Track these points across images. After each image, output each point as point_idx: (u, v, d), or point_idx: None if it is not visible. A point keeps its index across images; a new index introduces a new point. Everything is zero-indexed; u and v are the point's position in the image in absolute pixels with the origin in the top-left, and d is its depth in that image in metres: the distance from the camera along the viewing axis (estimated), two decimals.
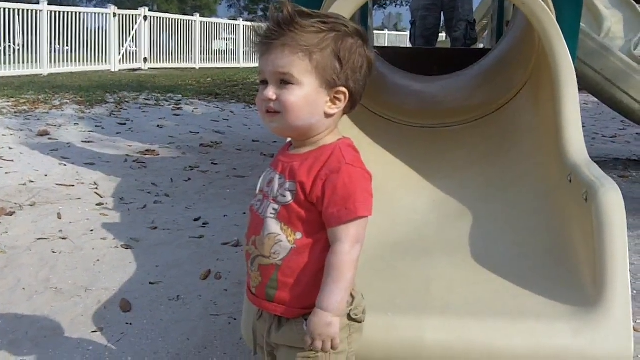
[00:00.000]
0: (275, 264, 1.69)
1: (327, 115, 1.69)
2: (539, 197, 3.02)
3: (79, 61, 18.49)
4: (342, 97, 1.68)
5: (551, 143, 3.02)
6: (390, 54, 5.33)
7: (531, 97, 3.58)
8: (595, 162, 2.76)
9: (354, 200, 1.63)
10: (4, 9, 15.92)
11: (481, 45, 11.13)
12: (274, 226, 1.70)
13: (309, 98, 1.65)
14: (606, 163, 7.19)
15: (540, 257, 2.73)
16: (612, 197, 2.36)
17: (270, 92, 1.65)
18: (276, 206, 1.69)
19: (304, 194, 1.65)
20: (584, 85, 7.00)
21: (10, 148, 6.48)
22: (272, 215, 1.69)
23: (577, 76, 3.09)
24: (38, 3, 17.14)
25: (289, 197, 1.67)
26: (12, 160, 6.00)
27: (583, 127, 3.01)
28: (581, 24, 4.33)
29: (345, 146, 1.70)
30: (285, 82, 1.64)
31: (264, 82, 1.68)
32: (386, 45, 29.98)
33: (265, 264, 1.71)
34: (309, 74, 1.64)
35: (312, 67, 1.63)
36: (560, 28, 3.09)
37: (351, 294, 1.74)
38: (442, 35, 10.56)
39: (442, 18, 7.76)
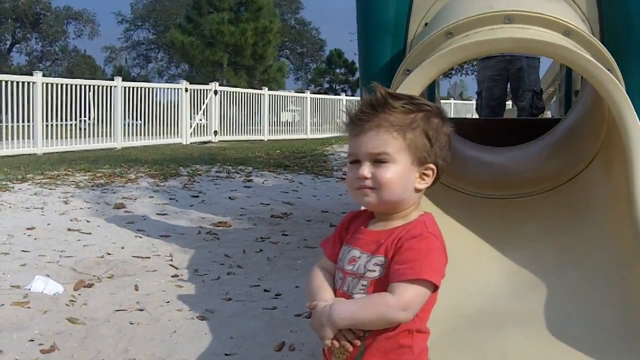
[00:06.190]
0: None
1: (417, 190, 1.77)
2: (614, 269, 2.99)
3: (152, 135, 19.00)
4: (430, 173, 1.77)
5: (625, 214, 3.00)
6: (457, 125, 5.35)
7: (603, 168, 3.57)
8: None
9: (422, 264, 1.66)
10: (80, 85, 16.60)
11: (549, 113, 11.08)
12: None
13: (402, 174, 1.72)
14: None
15: (616, 329, 2.70)
16: None
17: (366, 171, 1.72)
18: (365, 282, 1.73)
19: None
20: None
21: (87, 221, 6.66)
22: (362, 291, 1.73)
23: None
24: (113, 79, 17.84)
25: (378, 271, 1.72)
26: (90, 233, 6.16)
27: None
28: None
29: (430, 220, 1.77)
30: (380, 160, 1.71)
31: (356, 162, 1.75)
32: (452, 114, 30.04)
33: None
34: (402, 151, 1.71)
35: (405, 145, 1.71)
36: (630, 98, 3.10)
37: None
38: (509, 103, 10.58)
39: (509, 88, 7.79)
